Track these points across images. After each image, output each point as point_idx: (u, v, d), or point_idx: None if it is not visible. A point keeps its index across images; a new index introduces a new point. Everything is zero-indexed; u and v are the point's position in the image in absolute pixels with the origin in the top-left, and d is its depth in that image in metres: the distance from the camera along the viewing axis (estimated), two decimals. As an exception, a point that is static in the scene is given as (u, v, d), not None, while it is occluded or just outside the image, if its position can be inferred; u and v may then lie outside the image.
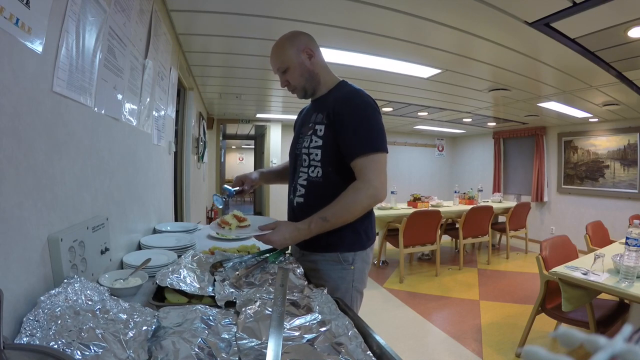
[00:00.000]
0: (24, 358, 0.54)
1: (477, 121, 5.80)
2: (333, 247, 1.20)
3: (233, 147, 14.05)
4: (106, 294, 0.85)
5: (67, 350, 0.59)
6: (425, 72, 3.03)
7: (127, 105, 1.37)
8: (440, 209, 4.59)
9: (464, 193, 5.59)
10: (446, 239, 5.46)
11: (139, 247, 1.52)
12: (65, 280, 0.79)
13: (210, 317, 0.79)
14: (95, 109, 1.06)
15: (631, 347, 0.20)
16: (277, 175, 1.64)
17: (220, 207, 1.53)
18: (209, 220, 5.38)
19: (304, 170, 1.24)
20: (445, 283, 4.15)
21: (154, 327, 0.70)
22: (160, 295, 0.96)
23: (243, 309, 0.82)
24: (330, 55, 2.58)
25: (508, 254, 5.33)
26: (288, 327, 0.75)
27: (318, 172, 1.20)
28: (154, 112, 1.83)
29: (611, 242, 3.39)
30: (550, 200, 6.10)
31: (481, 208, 4.88)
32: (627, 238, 2.00)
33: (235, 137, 10.81)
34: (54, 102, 0.83)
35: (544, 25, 1.97)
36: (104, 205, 1.16)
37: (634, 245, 1.95)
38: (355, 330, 0.75)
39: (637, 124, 4.82)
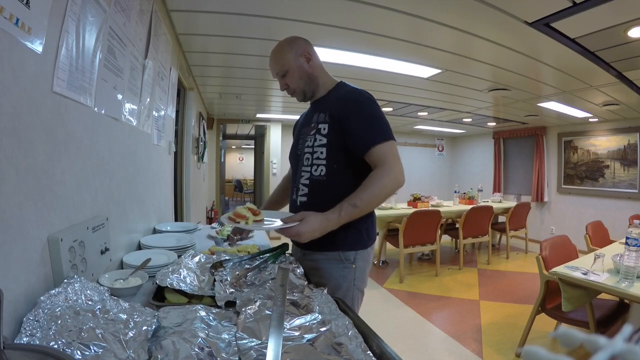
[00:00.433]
0: (24, 358, 0.54)
1: (477, 121, 5.80)
2: (335, 246, 1.21)
3: (233, 147, 14.05)
4: (106, 294, 0.85)
5: (67, 350, 0.59)
6: (425, 72, 3.03)
7: (127, 105, 1.37)
8: (440, 209, 4.60)
9: (464, 193, 5.59)
10: (446, 239, 5.46)
11: (139, 247, 1.52)
12: (65, 280, 0.79)
13: (210, 317, 0.79)
14: (95, 109, 1.06)
15: (631, 347, 0.20)
16: (281, 200, 1.59)
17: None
18: (209, 220, 5.38)
19: (307, 170, 1.25)
20: (445, 283, 4.15)
21: (154, 327, 0.70)
22: (160, 295, 0.96)
23: (243, 309, 0.82)
24: (330, 55, 2.58)
25: (508, 254, 5.33)
26: (288, 327, 0.75)
27: (322, 170, 1.21)
28: (154, 112, 1.83)
29: (611, 242, 3.39)
30: (550, 200, 6.10)
31: (481, 208, 4.88)
32: (627, 238, 2.01)
33: (235, 137, 10.80)
34: (54, 102, 0.83)
35: (544, 25, 1.97)
36: (104, 205, 1.16)
37: (634, 245, 1.95)
38: (355, 330, 0.75)
39: (637, 124, 4.82)
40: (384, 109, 4.75)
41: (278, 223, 1.11)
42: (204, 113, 4.97)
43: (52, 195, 0.83)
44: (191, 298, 0.95)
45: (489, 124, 6.14)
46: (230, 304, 0.89)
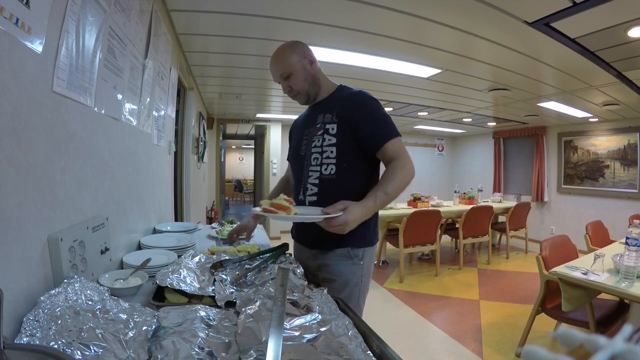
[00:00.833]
0: (24, 358, 0.54)
1: (477, 121, 5.80)
2: (344, 243, 1.23)
3: (233, 147, 14.05)
4: (106, 294, 0.85)
5: (67, 350, 0.59)
6: (425, 72, 3.03)
7: (127, 105, 1.37)
8: (440, 209, 4.59)
9: (464, 193, 5.59)
10: (446, 238, 5.46)
11: (139, 247, 1.52)
12: (65, 280, 0.79)
13: (210, 317, 0.79)
14: (95, 108, 1.06)
15: (631, 347, 0.20)
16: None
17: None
18: (209, 220, 5.38)
19: (316, 169, 1.26)
20: (445, 283, 4.15)
21: (154, 327, 0.70)
22: (160, 295, 0.96)
23: (243, 309, 0.82)
24: (330, 55, 2.58)
25: (508, 253, 5.33)
26: (288, 327, 0.75)
27: (332, 169, 1.23)
28: (154, 112, 1.83)
29: (611, 242, 3.38)
30: (550, 200, 6.10)
31: (481, 208, 4.88)
32: (627, 238, 2.00)
33: (235, 137, 10.80)
34: (54, 102, 0.83)
35: (544, 25, 1.96)
36: (104, 205, 1.16)
37: (634, 245, 1.95)
38: (355, 330, 0.76)
39: (637, 123, 4.82)
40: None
41: (311, 213, 1.08)
42: (204, 113, 4.97)
43: (52, 195, 0.83)
44: (191, 298, 0.95)
45: (489, 124, 6.14)
46: (230, 304, 0.89)
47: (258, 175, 9.46)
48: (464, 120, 5.68)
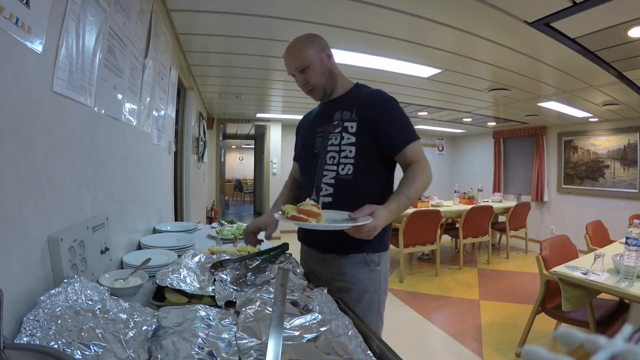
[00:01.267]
0: (24, 358, 0.54)
1: (477, 121, 5.80)
2: (359, 248, 1.18)
3: (233, 146, 14.05)
4: (106, 294, 0.85)
5: (67, 350, 0.59)
6: (426, 71, 3.03)
7: (127, 105, 1.37)
8: (440, 209, 4.60)
9: (464, 193, 5.59)
10: (446, 238, 5.45)
11: (139, 247, 1.52)
12: (65, 280, 0.79)
13: (210, 317, 0.79)
14: (95, 108, 1.06)
15: (631, 347, 0.20)
16: (295, 199, 1.40)
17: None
18: (209, 220, 5.38)
19: (332, 169, 1.21)
20: (445, 283, 4.15)
21: (154, 326, 0.70)
22: (160, 295, 0.96)
23: (243, 309, 0.82)
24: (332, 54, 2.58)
25: (508, 253, 5.33)
26: (288, 327, 0.75)
27: (349, 169, 1.18)
28: (154, 112, 1.83)
29: (611, 242, 3.38)
30: (550, 200, 6.10)
31: (481, 208, 4.88)
32: (627, 238, 2.00)
33: (235, 136, 10.80)
34: (54, 102, 0.83)
35: (544, 25, 1.96)
36: (104, 205, 1.16)
37: (634, 245, 1.95)
38: (355, 330, 0.76)
39: (637, 123, 4.81)
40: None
41: (335, 219, 1.03)
42: (204, 113, 4.96)
43: (52, 195, 0.83)
44: (191, 298, 0.95)
45: (489, 123, 6.14)
46: (230, 304, 0.89)
47: (258, 175, 9.47)
48: (464, 120, 5.68)
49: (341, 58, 2.66)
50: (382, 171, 1.22)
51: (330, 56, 1.25)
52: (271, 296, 0.89)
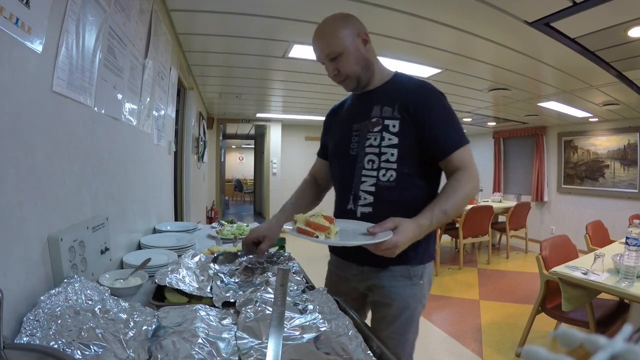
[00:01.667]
0: (24, 358, 0.54)
1: (477, 121, 5.80)
2: (403, 259, 1.02)
3: (233, 146, 14.06)
4: (106, 294, 0.85)
5: (67, 350, 0.59)
6: (426, 71, 3.03)
7: (127, 105, 1.37)
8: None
9: (464, 193, 5.58)
10: (446, 238, 5.45)
11: (139, 246, 1.52)
12: (65, 280, 0.79)
13: (210, 317, 0.79)
14: (95, 108, 1.06)
15: (631, 347, 0.20)
16: (299, 211, 1.20)
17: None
18: (209, 220, 5.38)
19: (371, 174, 1.05)
20: (445, 283, 4.15)
21: (154, 326, 0.70)
22: (160, 295, 0.96)
23: (243, 309, 0.82)
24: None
25: (508, 253, 5.33)
26: (288, 327, 0.75)
27: (391, 175, 1.03)
28: (154, 112, 1.83)
29: (611, 242, 3.38)
30: (550, 200, 6.10)
31: (481, 208, 4.88)
32: (627, 238, 2.00)
33: (235, 136, 10.81)
34: (54, 102, 0.83)
35: (544, 25, 1.96)
36: (104, 205, 1.16)
37: (634, 245, 1.95)
38: (355, 330, 0.75)
39: (637, 123, 4.81)
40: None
41: (354, 232, 0.91)
42: (204, 113, 4.96)
43: (52, 195, 0.83)
44: (191, 298, 0.95)
45: (489, 123, 6.14)
46: (229, 304, 0.89)
47: (258, 175, 9.47)
48: (464, 120, 5.68)
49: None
50: (428, 177, 1.07)
51: (367, 41, 1.07)
52: (271, 296, 0.89)
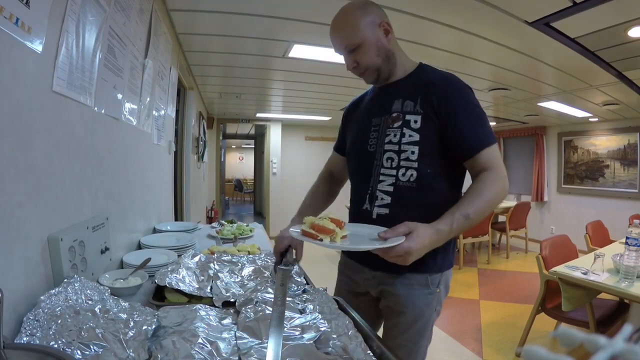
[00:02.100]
0: (24, 358, 0.54)
1: (477, 121, 5.79)
2: (421, 267, 0.95)
3: (233, 146, 14.05)
4: (106, 294, 0.85)
5: (67, 349, 0.59)
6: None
7: (127, 105, 1.37)
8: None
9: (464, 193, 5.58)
10: (446, 238, 5.45)
11: (139, 246, 1.52)
12: (65, 280, 0.79)
13: (210, 317, 0.79)
14: (95, 108, 1.06)
15: (631, 347, 0.20)
16: (316, 209, 1.20)
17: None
18: (209, 220, 5.38)
19: (390, 173, 0.99)
20: (445, 283, 4.14)
21: (154, 326, 0.70)
22: (160, 295, 0.96)
23: (243, 309, 0.82)
24: (330, 54, 2.58)
25: (508, 253, 5.33)
26: (288, 327, 0.75)
27: (411, 174, 0.97)
28: (154, 112, 1.83)
29: (611, 241, 3.39)
30: (550, 200, 6.09)
31: (481, 208, 4.87)
32: (627, 238, 2.00)
33: (235, 136, 10.81)
34: (54, 101, 0.83)
35: (544, 24, 1.96)
36: (104, 205, 1.16)
37: (634, 245, 1.95)
38: (355, 330, 0.76)
39: (637, 123, 4.81)
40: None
41: (366, 236, 0.86)
42: (204, 112, 4.96)
43: (52, 195, 0.83)
44: (191, 298, 0.95)
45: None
46: (229, 304, 0.89)
47: (258, 175, 9.47)
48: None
49: (341, 58, 2.65)
50: (451, 178, 1.01)
51: (389, 32, 1.00)
52: (271, 296, 0.89)
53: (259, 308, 0.82)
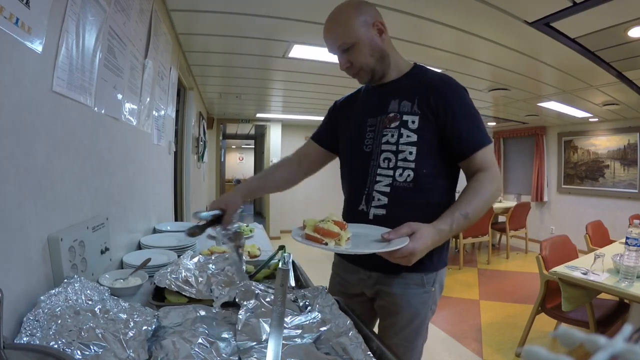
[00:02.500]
0: (24, 358, 0.54)
1: (477, 121, 5.79)
2: (417, 267, 0.94)
3: (233, 146, 14.05)
4: (106, 294, 0.85)
5: (67, 350, 0.59)
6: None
7: (127, 105, 1.37)
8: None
9: (464, 193, 5.58)
10: (446, 238, 5.45)
11: (139, 247, 1.52)
12: (65, 280, 0.79)
13: (210, 317, 0.79)
14: (95, 108, 1.06)
15: (631, 347, 0.20)
16: (264, 186, 1.27)
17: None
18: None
19: (387, 173, 0.99)
20: (446, 283, 4.11)
21: (154, 326, 0.70)
22: (160, 295, 0.96)
23: (243, 309, 0.82)
24: (330, 55, 2.58)
25: (508, 253, 5.33)
26: (288, 327, 0.75)
27: (408, 175, 0.97)
28: (154, 112, 1.83)
29: (611, 242, 3.39)
30: (550, 200, 6.10)
31: (481, 208, 4.87)
32: (627, 238, 2.00)
33: (235, 136, 10.80)
34: (54, 102, 0.83)
35: (544, 24, 1.96)
36: (104, 205, 1.16)
37: (633, 245, 1.95)
38: (356, 330, 0.75)
39: (637, 123, 4.81)
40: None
41: (367, 237, 0.86)
42: (204, 113, 4.96)
43: (52, 195, 0.83)
44: (191, 298, 0.95)
45: (489, 123, 6.14)
46: (229, 305, 0.89)
47: (258, 175, 9.45)
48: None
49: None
50: (448, 178, 1.02)
51: (383, 31, 1.01)
52: (271, 296, 0.89)
53: (259, 308, 0.82)
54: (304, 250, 1.01)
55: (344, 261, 1.14)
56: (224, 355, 0.66)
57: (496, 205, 5.20)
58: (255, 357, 0.65)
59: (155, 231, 1.83)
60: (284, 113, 5.80)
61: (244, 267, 1.07)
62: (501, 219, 5.55)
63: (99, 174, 1.12)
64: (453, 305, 3.48)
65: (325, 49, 1.08)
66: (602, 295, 2.15)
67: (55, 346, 0.59)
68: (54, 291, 0.73)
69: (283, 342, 0.67)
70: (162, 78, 1.97)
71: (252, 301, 0.82)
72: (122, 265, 1.26)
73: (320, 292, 0.94)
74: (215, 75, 3.49)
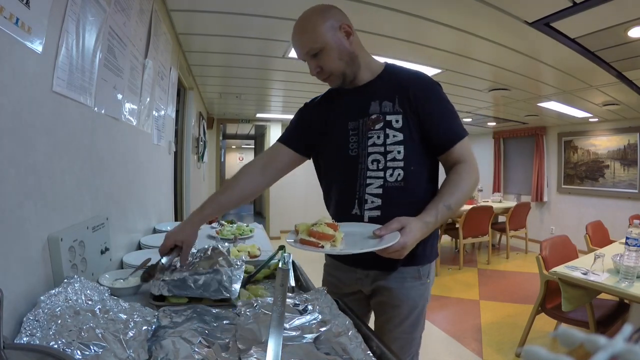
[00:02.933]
0: (24, 358, 0.54)
1: (477, 121, 5.80)
2: (412, 260, 1.00)
3: (233, 146, 14.05)
4: (106, 294, 0.85)
5: (67, 350, 0.59)
6: (425, 72, 3.01)
7: (127, 105, 1.37)
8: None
9: (464, 193, 5.58)
10: (446, 238, 5.45)
11: (139, 246, 1.52)
12: (65, 280, 0.79)
13: (210, 317, 0.79)
14: (95, 108, 1.06)
15: (631, 347, 0.20)
16: (220, 209, 1.12)
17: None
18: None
19: (377, 175, 1.00)
20: (445, 283, 4.14)
21: (154, 326, 0.70)
22: (160, 295, 0.96)
23: (243, 310, 0.82)
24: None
25: (508, 253, 5.33)
26: (288, 327, 0.75)
27: (399, 174, 0.99)
28: (154, 112, 1.83)
29: (611, 242, 3.38)
30: (550, 200, 6.09)
31: (481, 208, 4.88)
32: (627, 238, 2.00)
33: (235, 137, 10.80)
34: (54, 102, 0.83)
35: (544, 25, 1.96)
36: (104, 205, 1.16)
37: (634, 245, 1.95)
38: (355, 330, 0.75)
39: (637, 124, 4.81)
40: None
41: (360, 235, 0.88)
42: (204, 113, 4.96)
43: (52, 195, 0.83)
44: (191, 298, 0.95)
45: (489, 123, 6.14)
46: (228, 304, 0.89)
47: (258, 175, 9.44)
48: (464, 120, 5.68)
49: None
50: (433, 173, 1.06)
51: (350, 34, 0.99)
52: (271, 297, 0.89)
53: (259, 309, 0.82)
54: (304, 252, 1.01)
55: (339, 263, 1.13)
56: (223, 355, 0.66)
57: (496, 206, 5.20)
58: (255, 357, 0.65)
59: (155, 231, 1.83)
60: (283, 113, 5.80)
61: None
62: (501, 219, 5.55)
63: (99, 174, 1.12)
64: (453, 305, 3.48)
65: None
66: (602, 296, 2.15)
67: (55, 346, 0.59)
68: (54, 291, 0.73)
69: (283, 342, 0.67)
70: (162, 78, 1.97)
71: (252, 307, 0.82)
72: (122, 265, 1.26)
73: (321, 293, 0.94)
74: (215, 75, 3.49)
